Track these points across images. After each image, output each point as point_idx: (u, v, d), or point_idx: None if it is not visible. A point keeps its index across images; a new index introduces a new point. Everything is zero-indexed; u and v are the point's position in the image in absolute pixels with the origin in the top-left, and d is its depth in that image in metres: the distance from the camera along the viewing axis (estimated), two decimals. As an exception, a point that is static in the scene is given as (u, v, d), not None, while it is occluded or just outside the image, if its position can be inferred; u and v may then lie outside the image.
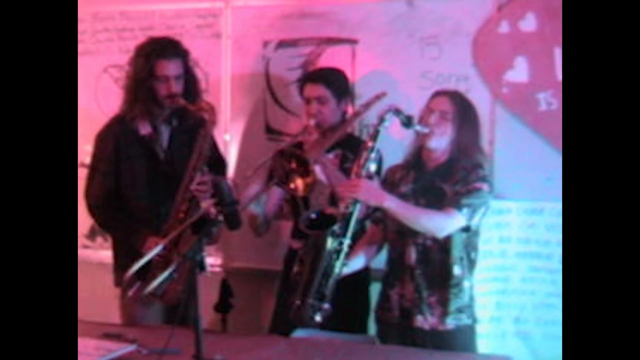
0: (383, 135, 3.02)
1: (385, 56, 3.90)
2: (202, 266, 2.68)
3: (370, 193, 2.96)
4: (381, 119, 3.00)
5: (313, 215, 3.02)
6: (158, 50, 3.48)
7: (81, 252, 4.26)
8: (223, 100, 4.20)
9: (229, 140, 4.21)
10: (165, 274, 2.98)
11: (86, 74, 4.32)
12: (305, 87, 3.61)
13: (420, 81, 3.79)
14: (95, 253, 4.39)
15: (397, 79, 3.85)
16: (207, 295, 3.67)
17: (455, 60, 3.78)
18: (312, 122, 3.51)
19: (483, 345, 3.45)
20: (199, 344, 2.60)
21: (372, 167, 3.01)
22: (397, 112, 2.99)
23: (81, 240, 4.37)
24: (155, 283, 2.92)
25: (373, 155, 3.00)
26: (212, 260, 4.13)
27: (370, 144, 3.01)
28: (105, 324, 3.22)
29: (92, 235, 4.27)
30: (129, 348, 2.88)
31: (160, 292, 3.36)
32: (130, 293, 3.30)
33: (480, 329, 3.36)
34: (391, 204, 2.98)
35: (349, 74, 3.75)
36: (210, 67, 4.21)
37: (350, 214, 2.95)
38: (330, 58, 3.95)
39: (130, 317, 3.58)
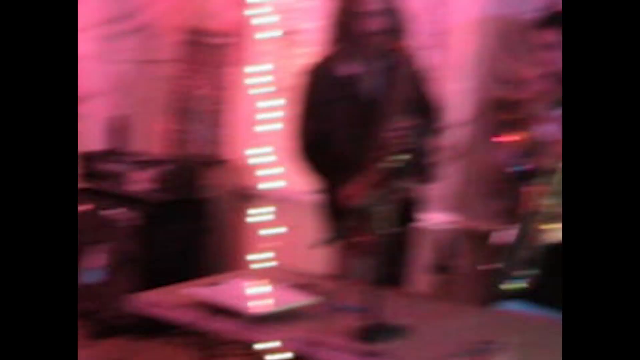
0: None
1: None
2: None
3: None
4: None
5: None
6: None
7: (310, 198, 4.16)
8: (454, 46, 3.92)
9: (462, 90, 3.90)
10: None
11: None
12: (540, 31, 3.20)
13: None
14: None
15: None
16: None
17: None
18: (539, 71, 3.12)
19: None
20: (374, 304, 2.44)
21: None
22: None
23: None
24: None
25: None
26: (442, 217, 3.93)
27: None
28: (309, 274, 3.15)
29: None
30: (306, 302, 2.74)
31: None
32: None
33: None
34: None
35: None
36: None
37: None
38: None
39: (341, 269, 3.44)
